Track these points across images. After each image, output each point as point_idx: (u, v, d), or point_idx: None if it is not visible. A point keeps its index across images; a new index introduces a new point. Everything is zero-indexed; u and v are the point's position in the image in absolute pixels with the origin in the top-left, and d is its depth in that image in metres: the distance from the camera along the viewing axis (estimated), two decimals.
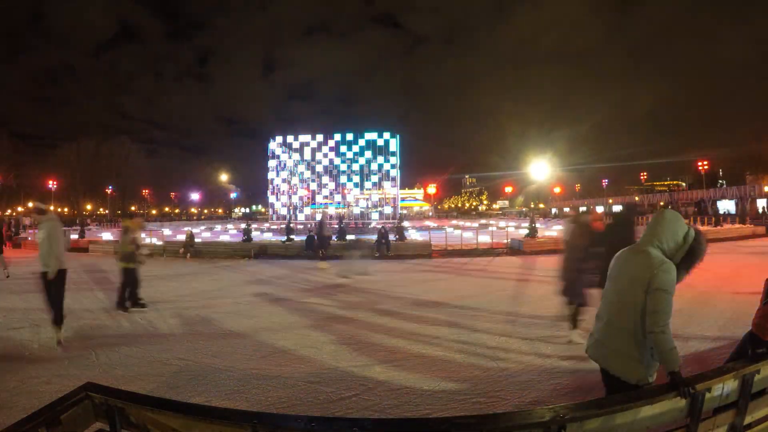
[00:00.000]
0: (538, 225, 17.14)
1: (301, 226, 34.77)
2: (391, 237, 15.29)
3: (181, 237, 15.35)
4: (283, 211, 49.47)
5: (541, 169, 42.64)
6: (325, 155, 50.01)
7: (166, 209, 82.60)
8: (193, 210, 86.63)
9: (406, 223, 21.16)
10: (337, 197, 49.96)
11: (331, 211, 47.35)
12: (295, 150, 50.52)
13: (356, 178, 49.46)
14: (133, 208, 71.06)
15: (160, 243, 17.26)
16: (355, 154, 49.41)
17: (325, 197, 50.20)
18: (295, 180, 50.30)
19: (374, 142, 48.91)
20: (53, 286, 4.58)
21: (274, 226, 37.56)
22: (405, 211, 67.23)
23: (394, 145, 48.72)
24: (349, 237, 18.17)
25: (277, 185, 50.91)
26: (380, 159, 48.80)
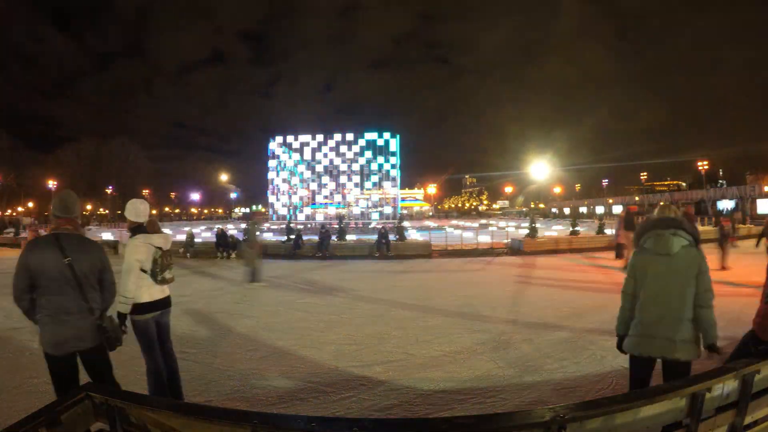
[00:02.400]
0: (538, 225, 17.13)
1: (301, 226, 34.76)
2: (391, 237, 15.29)
3: (182, 237, 15.35)
4: (283, 211, 49.47)
5: (541, 169, 42.63)
6: (325, 155, 49.98)
7: (166, 209, 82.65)
8: (194, 210, 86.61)
9: (405, 223, 21.15)
10: (337, 197, 49.95)
11: (331, 211, 47.39)
12: (296, 150, 50.50)
13: (356, 178, 49.45)
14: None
15: None
16: (355, 154, 49.38)
17: (325, 197, 50.20)
18: (295, 180, 50.27)
19: (374, 142, 48.89)
20: None
21: (274, 226, 37.54)
22: (405, 211, 67.22)
23: (394, 145, 48.71)
24: (350, 237, 18.17)
25: (277, 185, 50.91)
26: (380, 159, 48.79)
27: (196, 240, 16.26)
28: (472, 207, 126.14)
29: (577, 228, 17.73)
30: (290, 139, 50.62)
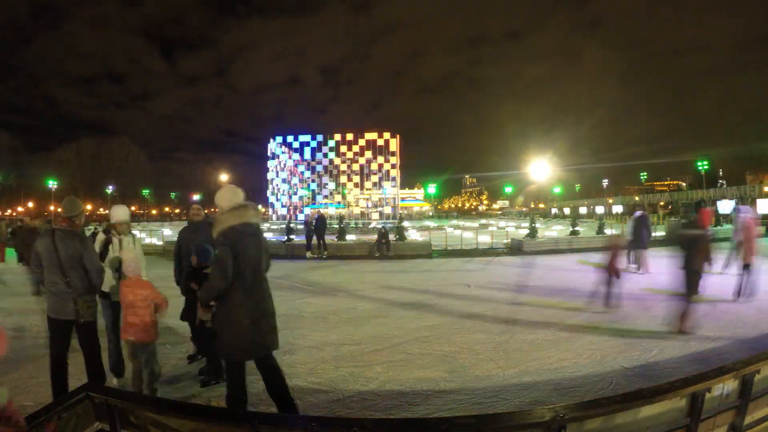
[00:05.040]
0: (538, 225, 17.13)
1: (302, 226, 34.76)
2: (391, 237, 15.28)
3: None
4: (283, 211, 49.43)
5: (541, 169, 42.63)
6: (325, 155, 49.97)
7: (166, 209, 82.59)
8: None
9: (406, 223, 21.12)
10: (337, 197, 49.95)
11: (332, 211, 47.38)
12: (295, 150, 50.50)
13: (356, 178, 49.43)
14: (133, 208, 70.91)
15: (160, 243, 17.26)
16: (355, 154, 49.37)
17: (325, 197, 50.17)
18: (295, 180, 50.27)
19: (374, 142, 48.86)
20: None
21: (274, 226, 37.52)
22: (405, 211, 67.20)
23: (394, 145, 48.69)
24: (350, 237, 18.16)
25: (277, 185, 50.90)
26: (380, 159, 48.77)
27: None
28: (472, 207, 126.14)
29: (577, 228, 17.73)
30: (290, 139, 50.60)
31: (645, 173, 73.79)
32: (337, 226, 17.79)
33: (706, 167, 53.95)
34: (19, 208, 60.95)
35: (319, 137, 49.79)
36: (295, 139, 50.27)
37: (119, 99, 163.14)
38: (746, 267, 6.34)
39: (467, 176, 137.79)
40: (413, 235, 20.27)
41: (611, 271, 6.02)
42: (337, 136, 49.44)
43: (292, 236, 17.50)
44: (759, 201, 39.88)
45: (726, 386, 1.68)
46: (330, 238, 16.10)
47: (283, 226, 24.94)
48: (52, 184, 53.71)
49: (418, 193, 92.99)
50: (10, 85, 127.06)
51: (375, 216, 47.23)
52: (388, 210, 48.12)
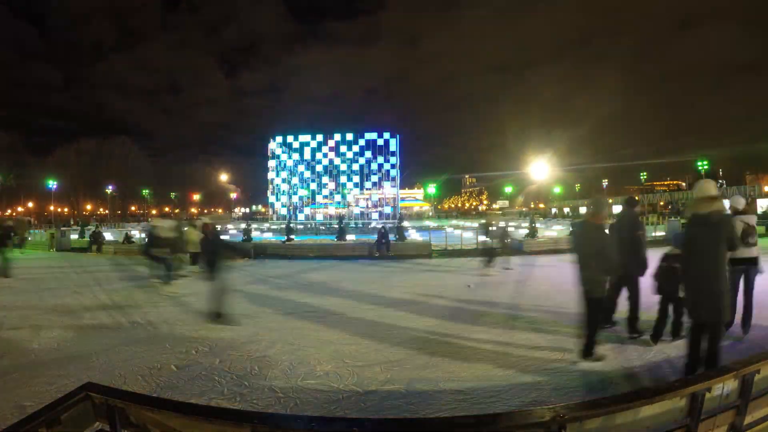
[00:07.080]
0: (538, 225, 17.11)
1: (301, 226, 34.75)
2: (391, 237, 15.28)
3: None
4: (283, 211, 49.43)
5: (541, 169, 42.62)
6: (325, 155, 49.97)
7: (166, 209, 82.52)
8: (194, 210, 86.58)
9: (405, 223, 21.11)
10: (337, 197, 49.94)
11: (331, 211, 47.41)
12: (295, 150, 50.52)
13: (356, 178, 49.42)
14: (133, 208, 70.95)
15: None
16: (355, 154, 49.37)
17: (325, 197, 50.19)
18: (295, 180, 50.31)
19: (374, 142, 48.87)
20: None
21: (275, 226, 37.51)
22: (405, 211, 67.18)
23: (394, 145, 48.68)
24: (350, 237, 18.16)
25: (277, 185, 50.90)
26: (380, 159, 48.77)
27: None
28: (472, 207, 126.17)
29: None
30: (290, 139, 50.63)
31: (645, 173, 73.79)
32: (337, 226, 17.80)
33: (706, 167, 53.95)
34: (19, 208, 60.95)
35: (319, 137, 49.73)
36: (295, 138, 50.22)
37: (170, 108, 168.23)
38: None
39: (467, 176, 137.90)
40: (413, 235, 20.26)
41: None
42: (337, 136, 49.40)
43: (291, 236, 17.50)
44: (759, 201, 39.91)
45: (726, 386, 1.68)
46: (330, 238, 16.11)
47: (283, 226, 24.92)
48: (52, 184, 53.66)
49: (418, 193, 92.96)
50: (69, 94, 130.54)
51: (375, 216, 47.20)
52: (388, 210, 48.09)
